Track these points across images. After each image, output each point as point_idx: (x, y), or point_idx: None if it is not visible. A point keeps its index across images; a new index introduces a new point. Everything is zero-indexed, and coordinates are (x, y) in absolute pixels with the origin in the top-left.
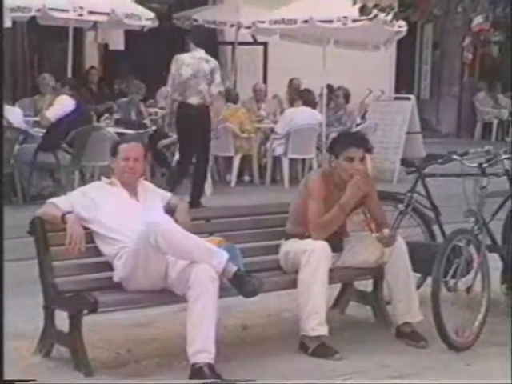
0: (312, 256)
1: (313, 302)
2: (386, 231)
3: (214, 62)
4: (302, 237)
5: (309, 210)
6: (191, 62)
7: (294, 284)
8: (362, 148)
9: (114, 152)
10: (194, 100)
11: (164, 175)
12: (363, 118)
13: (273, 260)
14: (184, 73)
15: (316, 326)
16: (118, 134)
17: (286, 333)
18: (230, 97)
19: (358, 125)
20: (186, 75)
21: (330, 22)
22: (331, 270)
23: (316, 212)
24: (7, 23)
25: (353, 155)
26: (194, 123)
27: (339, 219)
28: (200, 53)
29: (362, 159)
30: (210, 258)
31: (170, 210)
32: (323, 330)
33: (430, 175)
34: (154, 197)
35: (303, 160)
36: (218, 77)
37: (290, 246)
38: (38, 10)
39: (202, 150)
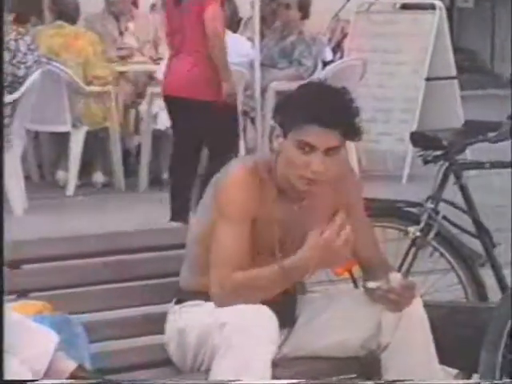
0: (234, 332)
1: None
2: (397, 277)
3: None
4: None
5: (215, 244)
6: None
7: None
8: (338, 128)
9: None
10: None
11: None
12: (339, 48)
13: (152, 346)
14: None
15: None
16: None
17: None
18: None
19: (326, 63)
20: None
21: None
22: (275, 365)
23: (229, 249)
24: None
25: (312, 141)
26: None
27: (276, 286)
28: None
29: (334, 149)
30: (21, 346)
31: None
32: None
33: (472, 165)
34: None
35: None
36: None
37: (186, 319)
38: None
39: None
